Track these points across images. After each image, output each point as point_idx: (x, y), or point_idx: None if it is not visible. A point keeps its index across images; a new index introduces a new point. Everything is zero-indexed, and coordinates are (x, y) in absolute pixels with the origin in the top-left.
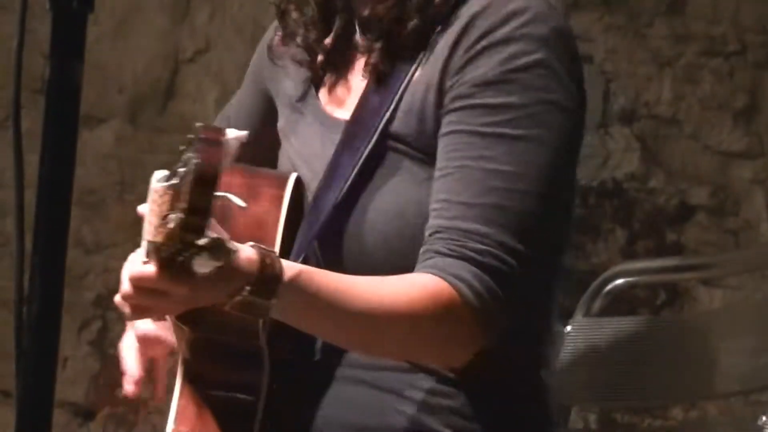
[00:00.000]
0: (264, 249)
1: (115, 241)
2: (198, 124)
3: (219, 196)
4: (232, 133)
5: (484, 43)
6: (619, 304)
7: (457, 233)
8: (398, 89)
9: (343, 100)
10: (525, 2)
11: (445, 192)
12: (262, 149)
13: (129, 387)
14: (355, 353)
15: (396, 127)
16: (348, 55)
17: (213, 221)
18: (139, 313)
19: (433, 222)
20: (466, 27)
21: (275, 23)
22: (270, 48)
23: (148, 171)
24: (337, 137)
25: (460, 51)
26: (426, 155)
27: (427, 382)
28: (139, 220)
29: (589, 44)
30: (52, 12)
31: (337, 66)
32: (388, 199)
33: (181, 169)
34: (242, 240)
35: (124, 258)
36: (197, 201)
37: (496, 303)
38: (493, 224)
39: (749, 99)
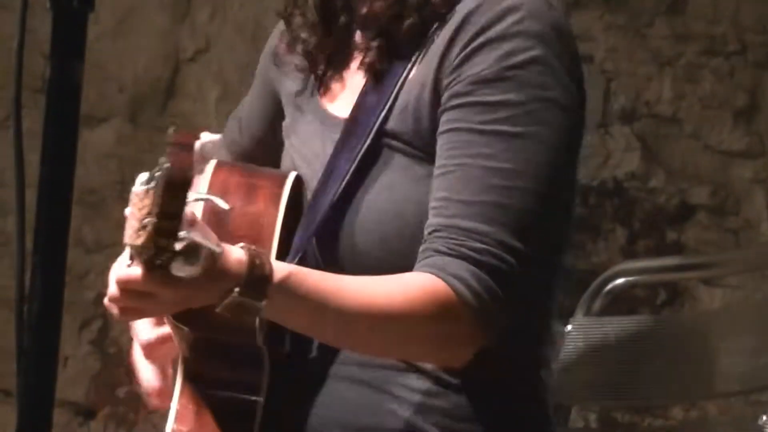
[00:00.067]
0: (254, 250)
1: (116, 241)
2: (170, 129)
3: (201, 198)
4: (206, 137)
5: (480, 40)
6: (620, 303)
7: (457, 232)
8: (394, 87)
9: (343, 99)
10: None
11: (444, 190)
12: (274, 150)
13: (153, 401)
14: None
15: (392, 125)
16: (349, 54)
17: (201, 222)
18: (127, 315)
19: (432, 220)
20: (461, 24)
21: (279, 26)
22: (276, 54)
23: (149, 170)
24: (336, 136)
25: (456, 48)
26: (424, 153)
27: (423, 383)
28: None
29: (589, 43)
30: (52, 11)
31: (339, 65)
32: (385, 197)
33: (158, 173)
34: (240, 239)
35: None
36: (168, 206)
37: (495, 302)
38: (493, 223)
39: (749, 98)
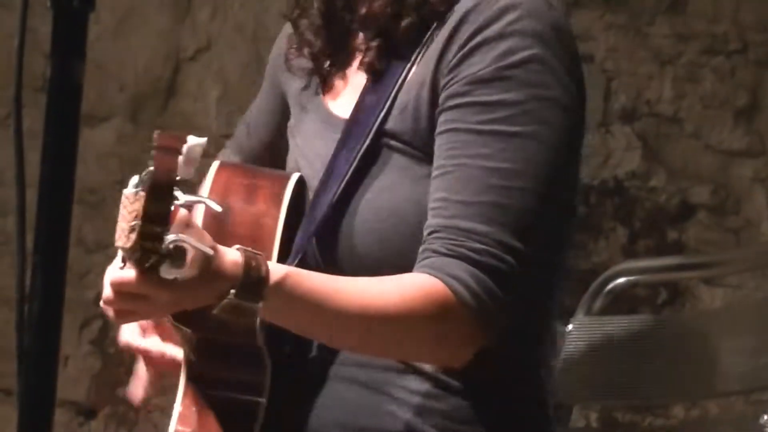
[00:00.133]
0: (250, 251)
1: None
2: (156, 132)
3: (192, 200)
4: (193, 140)
5: (477, 39)
6: (620, 303)
7: (456, 232)
8: (394, 87)
9: (345, 99)
10: None
11: (443, 191)
12: (282, 153)
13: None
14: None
15: (391, 125)
16: (351, 54)
17: (196, 225)
18: (122, 317)
19: (431, 221)
20: (459, 23)
21: (286, 28)
22: (285, 57)
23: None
24: (337, 136)
25: (454, 48)
26: (423, 153)
27: (422, 385)
28: None
29: (590, 43)
30: (53, 10)
31: (342, 66)
32: (384, 197)
33: (146, 177)
34: (241, 240)
35: None
36: (152, 209)
37: (494, 302)
38: (493, 223)
39: (750, 98)
